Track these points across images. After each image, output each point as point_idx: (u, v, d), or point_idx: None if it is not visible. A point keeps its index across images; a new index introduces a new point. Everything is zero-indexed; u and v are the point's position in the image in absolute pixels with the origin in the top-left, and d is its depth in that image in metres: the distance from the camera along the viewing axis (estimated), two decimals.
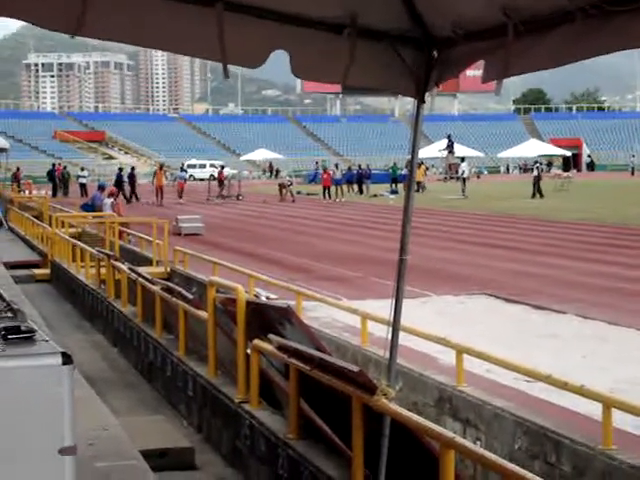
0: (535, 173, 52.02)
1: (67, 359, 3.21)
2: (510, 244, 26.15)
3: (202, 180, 74.14)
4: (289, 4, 4.69)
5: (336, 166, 62.01)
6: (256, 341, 7.86)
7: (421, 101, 5.39)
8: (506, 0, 4.32)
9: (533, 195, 49.88)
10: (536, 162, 56.97)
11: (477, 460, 4.47)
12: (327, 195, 53.09)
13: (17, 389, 3.17)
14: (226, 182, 56.01)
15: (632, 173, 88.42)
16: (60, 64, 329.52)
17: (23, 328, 3.39)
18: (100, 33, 4.44)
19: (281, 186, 54.19)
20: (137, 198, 51.94)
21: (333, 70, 5.03)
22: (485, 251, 24.52)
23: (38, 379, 3.20)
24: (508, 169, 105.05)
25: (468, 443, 4.81)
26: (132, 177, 53.03)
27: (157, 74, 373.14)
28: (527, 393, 9.68)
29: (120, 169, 54.53)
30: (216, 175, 59.83)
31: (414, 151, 5.62)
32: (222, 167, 56.17)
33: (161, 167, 56.06)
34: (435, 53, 5.15)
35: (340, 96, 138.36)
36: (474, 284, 18.36)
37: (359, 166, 63.23)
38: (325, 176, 55.21)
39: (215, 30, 4.46)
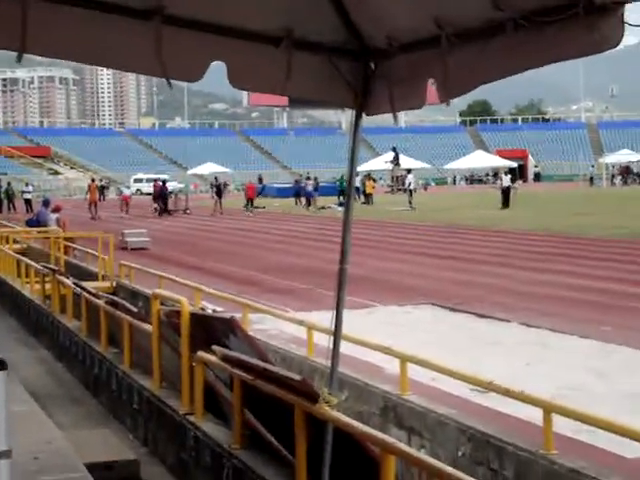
0: (506, 183, 50.73)
1: (1, 365, 3.23)
2: (456, 254, 26.33)
3: (149, 194, 74.07)
4: (227, 17, 4.73)
5: (308, 178, 62.32)
6: (200, 353, 7.87)
7: (360, 113, 5.45)
8: (437, 12, 4.40)
9: (503, 205, 49.14)
10: (506, 172, 56.38)
11: (417, 465, 4.55)
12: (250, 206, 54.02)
13: None
14: (173, 197, 56.00)
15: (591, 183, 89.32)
16: (4, 79, 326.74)
17: None
18: (42, 51, 4.45)
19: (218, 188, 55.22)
20: (168, 211, 53.02)
21: (270, 80, 5.08)
22: (431, 262, 24.69)
23: None
24: (455, 180, 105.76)
25: (408, 448, 4.87)
26: (163, 190, 54.28)
27: (102, 88, 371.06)
28: (471, 400, 9.79)
29: (163, 182, 56.31)
30: (151, 189, 60.44)
31: (352, 161, 5.69)
32: (164, 181, 56.26)
33: (93, 181, 56.43)
34: (372, 65, 5.22)
35: (287, 109, 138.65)
36: (420, 294, 18.49)
37: (306, 178, 63.34)
38: (249, 187, 56.02)
39: (153, 45, 4.50)
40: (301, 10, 4.85)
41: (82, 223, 40.69)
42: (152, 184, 63.16)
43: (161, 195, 53.86)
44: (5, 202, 58.71)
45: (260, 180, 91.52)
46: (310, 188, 58.57)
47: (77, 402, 11.98)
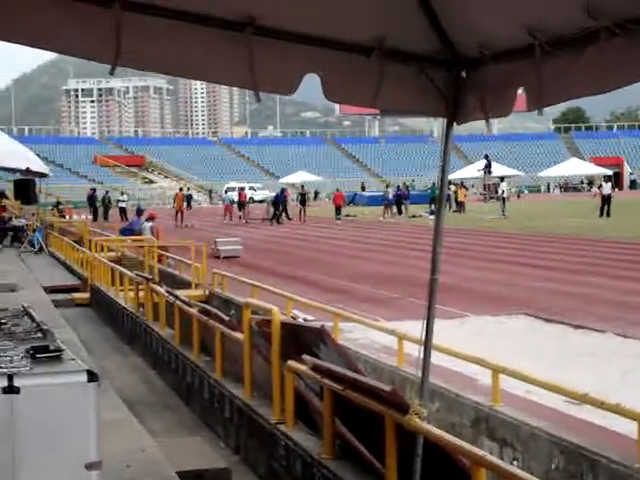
0: (607, 191, 48.55)
1: (92, 376, 3.26)
2: (550, 263, 26.00)
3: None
4: (318, 27, 4.71)
5: (387, 186, 63.13)
6: (290, 362, 7.89)
7: (451, 121, 5.41)
8: (530, 20, 4.34)
9: (601, 214, 47.63)
10: (605, 180, 54.98)
11: (508, 478, 4.47)
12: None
13: (44, 406, 3.23)
14: (266, 205, 56.36)
15: None
16: (100, 89, 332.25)
17: (51, 347, 3.45)
18: (135, 64, 4.49)
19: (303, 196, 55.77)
20: (288, 217, 53.25)
21: (363, 93, 5.06)
22: (525, 271, 24.41)
23: (64, 396, 3.25)
24: (549, 188, 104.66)
25: (499, 461, 4.81)
26: (283, 198, 54.31)
27: (196, 98, 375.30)
28: (565, 412, 9.65)
29: (282, 189, 56.48)
30: (237, 197, 60.91)
31: (444, 169, 5.65)
32: (283, 190, 56.34)
33: (180, 190, 57.25)
34: (464, 74, 5.18)
35: (378, 117, 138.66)
36: (513, 304, 18.28)
37: (397, 187, 63.30)
38: (336, 195, 56.65)
39: (246, 56, 4.49)
40: (393, 20, 4.82)
41: (175, 232, 41.19)
42: (239, 192, 63.70)
43: (278, 202, 53.28)
44: (100, 210, 59.65)
45: (363, 188, 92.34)
46: (391, 196, 58.52)
47: (170, 409, 12.10)
